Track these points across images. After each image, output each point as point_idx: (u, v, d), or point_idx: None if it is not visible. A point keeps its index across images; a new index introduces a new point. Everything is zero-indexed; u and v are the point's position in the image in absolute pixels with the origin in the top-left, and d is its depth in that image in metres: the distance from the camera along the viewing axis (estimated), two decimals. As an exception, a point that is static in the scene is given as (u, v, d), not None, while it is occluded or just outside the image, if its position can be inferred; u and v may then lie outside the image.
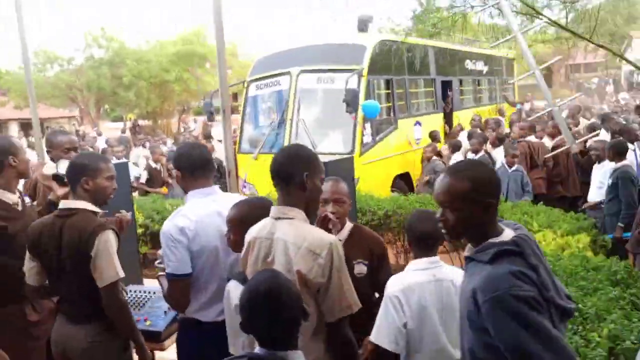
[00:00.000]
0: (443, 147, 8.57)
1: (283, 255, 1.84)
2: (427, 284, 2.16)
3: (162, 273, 2.47)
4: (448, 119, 10.57)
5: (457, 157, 7.33)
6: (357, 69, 7.57)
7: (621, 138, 5.63)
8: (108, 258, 2.26)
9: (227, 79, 3.58)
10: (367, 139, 7.85)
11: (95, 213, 2.39)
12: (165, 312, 3.01)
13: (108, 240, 2.28)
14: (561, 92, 32.72)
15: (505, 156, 6.31)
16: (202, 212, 2.34)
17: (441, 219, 1.61)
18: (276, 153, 2.03)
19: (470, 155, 7.50)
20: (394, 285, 2.22)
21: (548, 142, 6.95)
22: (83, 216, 2.34)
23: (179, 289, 2.32)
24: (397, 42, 8.50)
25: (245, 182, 8.85)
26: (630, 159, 5.38)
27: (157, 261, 2.53)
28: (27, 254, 2.43)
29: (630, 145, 5.54)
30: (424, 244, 2.27)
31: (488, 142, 7.72)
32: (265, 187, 8.06)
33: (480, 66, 12.27)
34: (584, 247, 4.10)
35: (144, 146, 10.27)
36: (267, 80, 8.79)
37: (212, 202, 2.41)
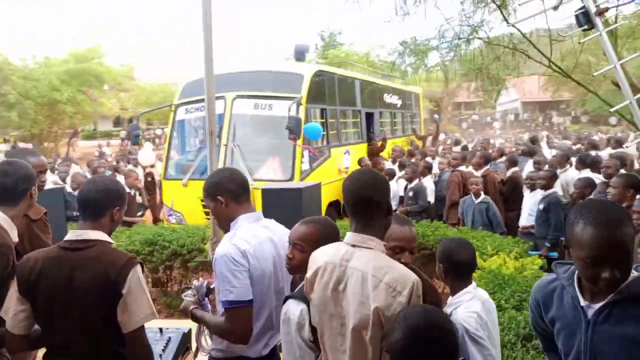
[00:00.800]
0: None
1: (359, 287, 1.71)
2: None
3: (195, 306, 2.22)
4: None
5: (392, 185, 7.60)
6: (296, 97, 7.61)
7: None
8: (142, 295, 1.96)
9: (213, 99, 3.40)
10: (305, 166, 7.87)
11: (111, 244, 2.08)
12: (160, 355, 2.68)
13: (140, 275, 1.98)
14: (448, 127, 35.83)
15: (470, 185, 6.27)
16: (258, 236, 2.21)
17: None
18: (352, 178, 1.88)
19: (404, 184, 7.83)
20: (471, 316, 2.07)
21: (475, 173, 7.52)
22: (104, 248, 2.01)
23: (243, 319, 2.08)
24: (330, 73, 8.73)
25: (171, 210, 8.34)
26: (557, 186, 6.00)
27: (187, 292, 2.26)
28: (13, 295, 2.01)
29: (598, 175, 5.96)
30: (465, 272, 2.27)
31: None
32: (195, 216, 7.69)
33: (395, 100, 13.00)
34: (539, 268, 4.46)
35: (52, 171, 9.23)
36: (198, 104, 8.46)
37: (264, 228, 2.27)
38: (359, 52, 31.42)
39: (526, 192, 6.34)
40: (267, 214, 4.15)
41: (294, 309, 1.92)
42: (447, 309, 2.16)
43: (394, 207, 7.57)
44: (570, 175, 6.72)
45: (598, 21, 2.63)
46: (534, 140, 11.98)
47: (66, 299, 1.94)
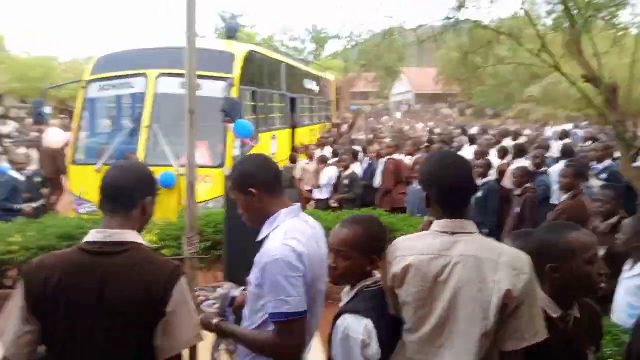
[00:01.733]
0: (304, 161, 8.70)
1: (473, 273, 1.61)
2: None
3: (219, 318, 1.89)
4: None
5: (329, 171, 7.54)
6: (228, 78, 7.16)
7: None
8: (189, 314, 1.60)
9: (194, 74, 3.01)
10: (236, 152, 7.47)
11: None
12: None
13: (187, 289, 1.62)
14: (347, 116, 36.75)
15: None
16: (306, 234, 1.90)
17: None
18: (443, 162, 1.76)
19: (337, 171, 7.79)
20: None
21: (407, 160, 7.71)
22: (142, 254, 1.62)
23: (298, 333, 1.79)
24: (261, 54, 8.36)
25: (81, 199, 7.43)
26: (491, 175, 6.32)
27: (207, 302, 1.92)
28: (16, 313, 1.54)
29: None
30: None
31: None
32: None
33: (314, 86, 12.92)
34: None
35: None
36: (114, 82, 7.61)
37: (305, 223, 1.97)
38: (262, 35, 30.91)
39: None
40: (231, 202, 3.85)
41: (355, 325, 1.69)
42: None
43: (327, 195, 7.61)
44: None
45: None
46: (464, 131, 12.58)
47: (93, 319, 1.52)
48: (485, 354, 1.62)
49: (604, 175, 6.03)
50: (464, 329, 1.61)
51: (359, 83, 45.00)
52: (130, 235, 1.63)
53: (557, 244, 1.74)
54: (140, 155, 6.90)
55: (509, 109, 30.04)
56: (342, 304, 1.86)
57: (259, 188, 1.94)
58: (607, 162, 6.40)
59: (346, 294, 1.87)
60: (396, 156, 7.40)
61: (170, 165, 6.63)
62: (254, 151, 8.15)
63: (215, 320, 1.93)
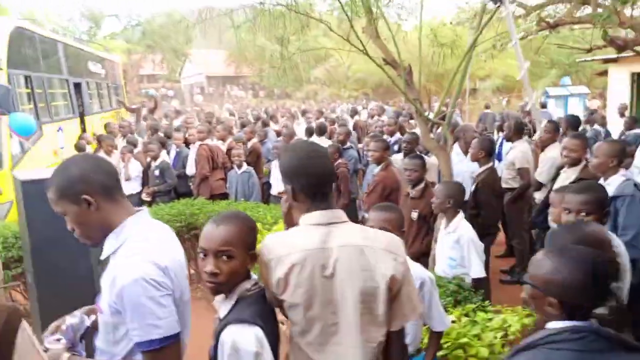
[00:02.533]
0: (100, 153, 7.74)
1: (356, 263, 1.57)
2: None
3: (70, 354, 1.51)
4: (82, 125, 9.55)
5: (135, 162, 6.87)
6: (-7, 60, 5.89)
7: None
8: None
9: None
10: (16, 149, 6.24)
11: None
12: None
13: (31, 335, 1.21)
14: (136, 99, 34.23)
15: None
16: (162, 242, 1.67)
17: None
18: (306, 150, 1.69)
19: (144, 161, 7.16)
20: None
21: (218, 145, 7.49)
22: None
23: (174, 358, 1.56)
24: (31, 31, 7.07)
25: None
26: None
27: (50, 337, 1.51)
28: None
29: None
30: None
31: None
32: None
33: (99, 69, 11.56)
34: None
35: None
36: None
37: (156, 229, 1.71)
38: (18, 10, 26.31)
39: (275, 162, 6.74)
40: (32, 212, 3.20)
41: (243, 336, 1.52)
42: None
43: (138, 189, 6.94)
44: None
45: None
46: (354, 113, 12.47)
47: None
48: (378, 341, 1.64)
49: (396, 147, 6.88)
50: (356, 321, 1.59)
51: (145, 65, 42.13)
52: None
53: None
54: None
55: (298, 89, 31.97)
56: (220, 315, 1.66)
57: (95, 194, 1.60)
58: (397, 136, 7.34)
59: (223, 302, 1.68)
60: (208, 141, 7.13)
61: None
62: (38, 146, 6.94)
63: (65, 357, 1.55)
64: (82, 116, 9.37)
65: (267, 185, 7.06)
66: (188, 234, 5.23)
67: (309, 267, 1.57)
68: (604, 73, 12.17)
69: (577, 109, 15.46)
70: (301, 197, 1.65)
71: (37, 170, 5.35)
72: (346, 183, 5.62)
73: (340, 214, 1.67)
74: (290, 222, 2.10)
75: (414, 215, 4.04)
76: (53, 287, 3.12)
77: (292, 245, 1.60)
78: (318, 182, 1.65)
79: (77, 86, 9.29)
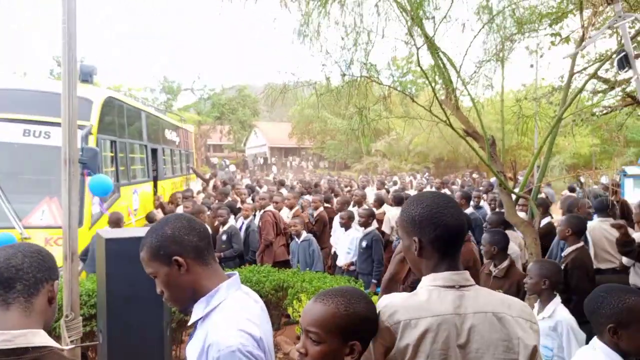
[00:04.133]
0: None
1: (495, 332, 1.41)
2: None
3: None
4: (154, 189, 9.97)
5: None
6: (85, 125, 6.32)
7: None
8: None
9: (75, 119, 2.47)
10: (96, 209, 6.53)
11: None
12: None
13: None
14: (202, 168, 35.86)
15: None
16: (256, 312, 1.58)
17: None
18: (439, 205, 1.50)
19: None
20: None
21: (286, 212, 7.52)
22: None
23: None
24: (120, 101, 7.62)
25: None
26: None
27: None
28: None
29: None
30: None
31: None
32: None
33: (174, 137, 12.23)
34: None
35: None
36: None
37: (248, 297, 1.64)
38: (107, 84, 29.06)
39: (340, 231, 6.62)
40: (111, 270, 3.20)
41: None
42: None
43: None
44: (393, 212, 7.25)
45: (637, 64, 2.95)
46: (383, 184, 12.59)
47: None
48: None
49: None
50: None
51: (214, 135, 44.62)
52: (37, 337, 1.11)
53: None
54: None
55: (357, 161, 32.33)
56: None
57: (187, 256, 1.53)
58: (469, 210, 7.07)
59: None
60: (271, 208, 7.16)
61: (11, 227, 5.49)
62: (114, 207, 7.24)
63: None
64: (155, 180, 9.80)
65: (333, 257, 6.91)
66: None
67: (444, 334, 1.39)
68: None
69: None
70: (428, 253, 1.48)
71: (119, 230, 5.53)
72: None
73: (468, 276, 1.50)
74: (391, 286, 1.89)
75: (498, 295, 3.72)
76: (125, 348, 3.04)
77: (423, 308, 1.41)
78: (451, 235, 1.48)
79: (154, 152, 9.82)
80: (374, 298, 4.62)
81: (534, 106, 5.47)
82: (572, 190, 11.64)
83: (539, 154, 4.06)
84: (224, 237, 6.75)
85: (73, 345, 2.13)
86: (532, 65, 6.43)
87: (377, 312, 1.44)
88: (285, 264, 6.50)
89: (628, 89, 5.79)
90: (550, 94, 6.34)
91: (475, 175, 17.93)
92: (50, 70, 34.49)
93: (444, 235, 1.47)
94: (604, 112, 6.03)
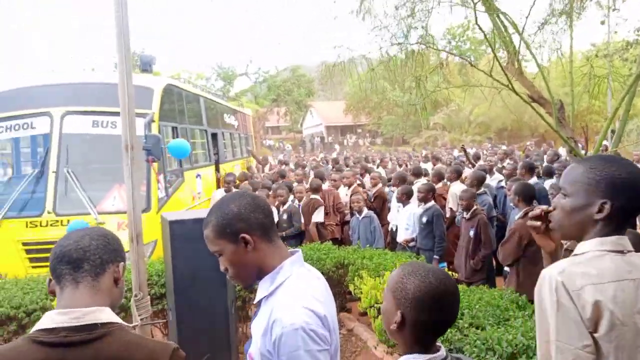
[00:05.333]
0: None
1: None
2: None
3: None
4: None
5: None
6: (147, 113, 6.56)
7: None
8: None
9: (132, 108, 2.53)
10: (161, 193, 6.81)
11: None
12: None
13: None
14: (263, 151, 36.55)
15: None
16: (320, 289, 1.57)
17: None
18: (627, 165, 1.45)
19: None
20: None
21: (344, 191, 7.51)
22: (125, 338, 1.19)
23: None
24: (179, 88, 7.84)
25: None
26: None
27: None
28: None
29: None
30: None
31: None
32: (10, 264, 5.96)
33: (233, 121, 12.48)
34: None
35: None
36: (8, 123, 6.67)
37: (311, 274, 1.62)
38: (167, 73, 30.09)
39: (399, 206, 6.51)
40: (176, 251, 3.31)
41: None
42: None
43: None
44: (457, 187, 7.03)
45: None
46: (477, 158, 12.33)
47: None
48: None
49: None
50: None
51: (271, 118, 45.26)
52: (104, 314, 1.15)
53: None
54: (49, 204, 6.04)
55: (416, 136, 31.64)
56: None
57: (254, 233, 1.52)
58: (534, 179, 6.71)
59: None
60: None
61: (87, 213, 5.85)
62: (180, 190, 7.52)
63: None
64: (217, 164, 10.07)
65: (391, 233, 6.84)
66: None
67: (625, 300, 1.34)
68: None
69: None
70: (612, 218, 1.41)
71: (182, 212, 5.76)
72: (487, 231, 5.17)
73: (628, 241, 1.44)
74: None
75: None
76: (192, 325, 3.18)
77: (602, 274, 1.36)
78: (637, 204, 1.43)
79: (214, 136, 10.06)
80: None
81: (606, 65, 5.04)
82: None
83: (614, 117, 3.74)
84: (285, 217, 6.85)
85: (143, 322, 2.21)
86: (602, 22, 5.92)
87: (554, 280, 1.37)
88: (336, 242, 6.55)
89: None
90: (624, 49, 5.81)
91: (545, 147, 16.95)
92: (115, 64, 36.17)
93: (634, 203, 1.42)
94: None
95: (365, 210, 6.19)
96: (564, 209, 1.49)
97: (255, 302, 1.56)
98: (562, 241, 3.56)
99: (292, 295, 1.44)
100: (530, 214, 1.65)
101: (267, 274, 1.53)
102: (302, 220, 6.80)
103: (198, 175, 8.54)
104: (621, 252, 1.40)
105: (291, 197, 7.28)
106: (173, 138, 7.65)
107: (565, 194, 1.50)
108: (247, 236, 1.51)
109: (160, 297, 4.41)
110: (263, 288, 1.53)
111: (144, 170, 6.38)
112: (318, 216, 6.89)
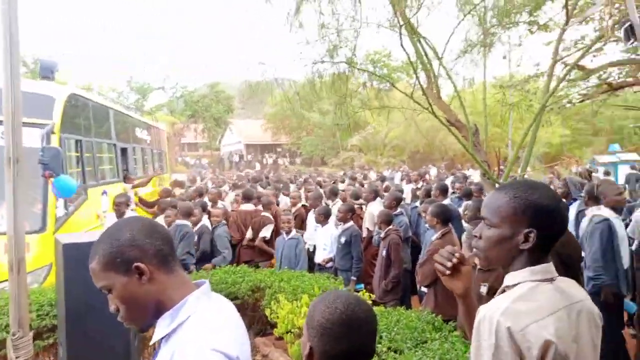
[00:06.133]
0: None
1: (593, 328, 1.41)
2: None
3: None
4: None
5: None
6: (47, 124, 5.96)
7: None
8: None
9: (19, 117, 2.21)
10: (60, 211, 6.17)
11: None
12: None
13: None
14: (177, 167, 35.19)
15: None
16: (230, 325, 1.37)
17: None
18: (552, 193, 1.44)
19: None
20: None
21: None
22: None
23: None
24: (85, 98, 7.26)
25: None
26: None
27: None
28: None
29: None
30: None
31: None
32: None
33: (145, 135, 11.83)
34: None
35: None
36: None
37: (220, 307, 1.43)
38: (76, 83, 28.19)
39: (317, 226, 6.43)
40: (70, 277, 2.94)
41: None
42: None
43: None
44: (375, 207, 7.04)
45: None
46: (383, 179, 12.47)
47: None
48: None
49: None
50: None
51: (188, 134, 43.79)
52: None
53: None
54: None
55: (334, 157, 32.22)
56: None
57: (149, 262, 1.31)
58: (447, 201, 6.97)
59: None
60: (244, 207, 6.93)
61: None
62: (82, 209, 6.89)
63: None
64: (125, 180, 9.43)
65: (308, 253, 6.72)
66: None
67: (563, 330, 1.33)
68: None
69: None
70: (536, 246, 1.38)
71: (79, 234, 5.21)
72: (397, 251, 5.22)
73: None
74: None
75: (484, 289, 3.58)
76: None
77: (542, 307, 1.34)
78: (562, 230, 1.42)
79: (124, 151, 9.44)
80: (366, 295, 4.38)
81: (508, 96, 5.39)
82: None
83: (522, 144, 3.95)
84: (194, 238, 6.47)
85: (22, 366, 1.87)
86: (504, 57, 6.35)
87: (495, 321, 1.30)
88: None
89: (604, 77, 5.75)
90: (525, 81, 6.28)
91: (465, 171, 17.82)
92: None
93: (557, 230, 1.41)
94: (581, 99, 6.00)
95: (294, 232, 6.02)
96: (490, 240, 1.46)
97: (151, 343, 1.33)
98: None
99: (199, 335, 1.24)
100: (436, 257, 1.59)
101: (166, 310, 1.32)
102: (228, 246, 6.44)
103: (104, 192, 7.91)
104: (551, 279, 1.39)
105: (205, 216, 6.93)
106: (76, 152, 7.04)
107: (489, 224, 1.46)
108: (141, 265, 1.30)
109: (52, 329, 3.92)
110: (162, 326, 1.31)
111: (40, 186, 5.78)
112: (266, 232, 6.62)
